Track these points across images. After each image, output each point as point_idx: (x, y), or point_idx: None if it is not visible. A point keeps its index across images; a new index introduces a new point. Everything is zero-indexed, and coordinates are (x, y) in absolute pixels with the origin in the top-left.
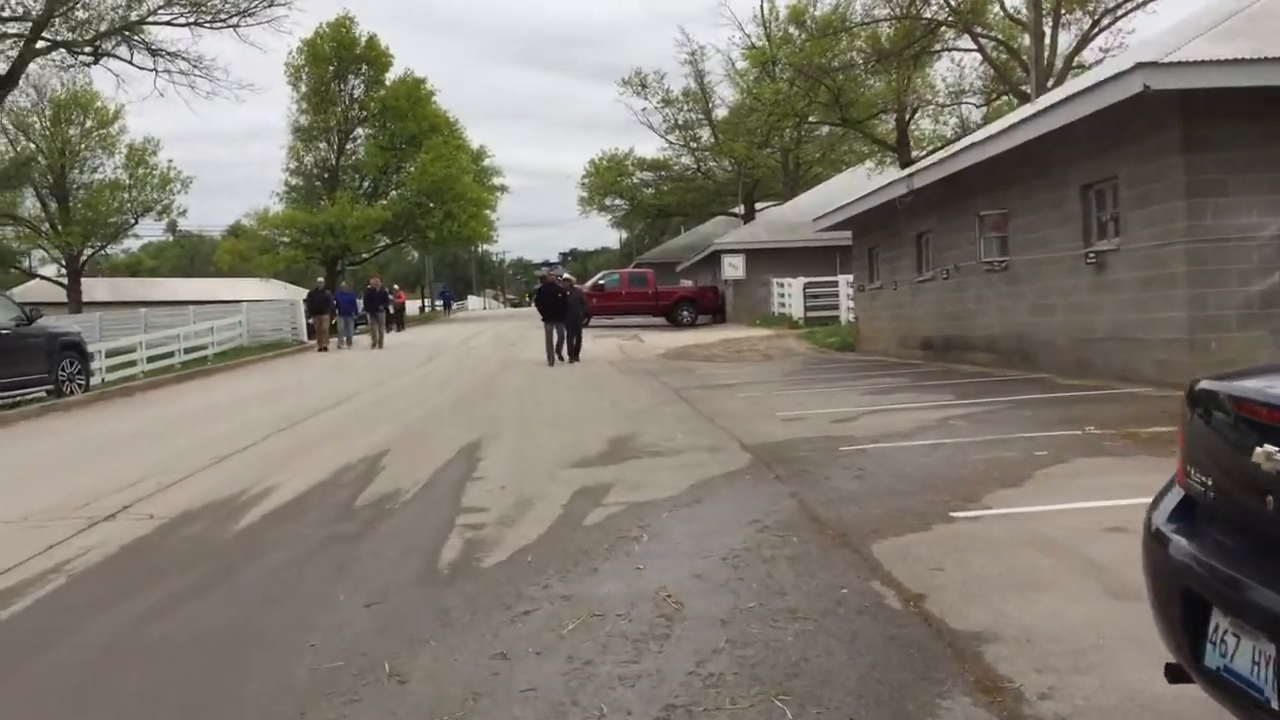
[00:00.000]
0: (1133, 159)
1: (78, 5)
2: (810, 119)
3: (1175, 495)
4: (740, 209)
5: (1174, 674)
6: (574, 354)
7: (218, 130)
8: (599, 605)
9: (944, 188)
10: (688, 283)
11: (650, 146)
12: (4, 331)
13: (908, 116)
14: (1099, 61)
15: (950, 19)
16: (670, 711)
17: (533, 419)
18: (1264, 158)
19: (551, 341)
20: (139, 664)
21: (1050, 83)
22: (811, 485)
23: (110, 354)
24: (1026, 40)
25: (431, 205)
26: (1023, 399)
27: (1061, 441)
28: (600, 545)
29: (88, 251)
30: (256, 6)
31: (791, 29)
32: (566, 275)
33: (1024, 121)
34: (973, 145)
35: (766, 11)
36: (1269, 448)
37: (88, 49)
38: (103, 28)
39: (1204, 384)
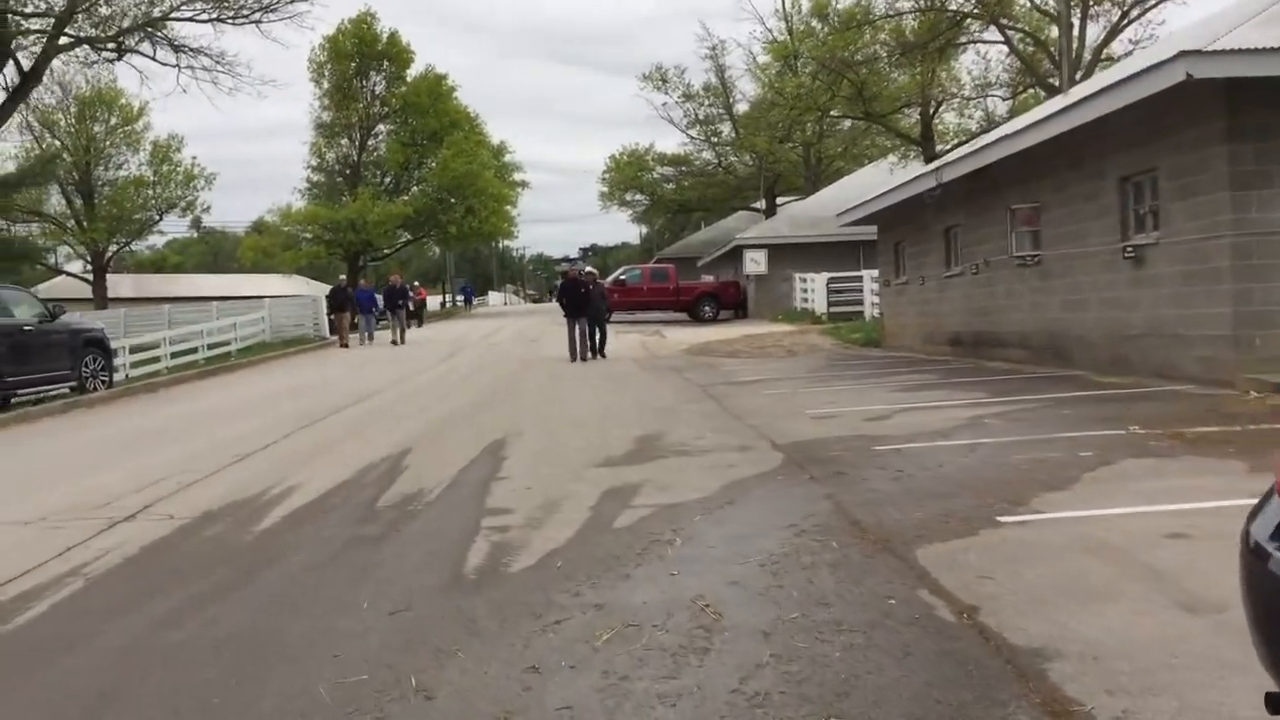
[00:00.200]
0: (1173, 150)
1: (100, 1)
2: (832, 113)
3: (1278, 507)
4: (761, 204)
5: (1276, 704)
6: (600, 350)
7: (241, 127)
8: (633, 615)
9: (973, 181)
10: (709, 278)
11: (671, 141)
12: (27, 328)
13: (932, 110)
14: (1128, 54)
15: (977, 10)
16: None
17: (557, 417)
18: None
19: (574, 338)
20: (155, 673)
21: (1078, 75)
22: (848, 487)
23: (134, 350)
24: (1054, 32)
25: (453, 201)
26: (1059, 397)
27: (1105, 442)
28: (631, 549)
29: (113, 248)
30: (278, 2)
31: (814, 22)
32: (590, 269)
33: (1059, 113)
34: (1004, 138)
35: (788, 5)
36: None
37: (111, 45)
38: (125, 24)
39: None
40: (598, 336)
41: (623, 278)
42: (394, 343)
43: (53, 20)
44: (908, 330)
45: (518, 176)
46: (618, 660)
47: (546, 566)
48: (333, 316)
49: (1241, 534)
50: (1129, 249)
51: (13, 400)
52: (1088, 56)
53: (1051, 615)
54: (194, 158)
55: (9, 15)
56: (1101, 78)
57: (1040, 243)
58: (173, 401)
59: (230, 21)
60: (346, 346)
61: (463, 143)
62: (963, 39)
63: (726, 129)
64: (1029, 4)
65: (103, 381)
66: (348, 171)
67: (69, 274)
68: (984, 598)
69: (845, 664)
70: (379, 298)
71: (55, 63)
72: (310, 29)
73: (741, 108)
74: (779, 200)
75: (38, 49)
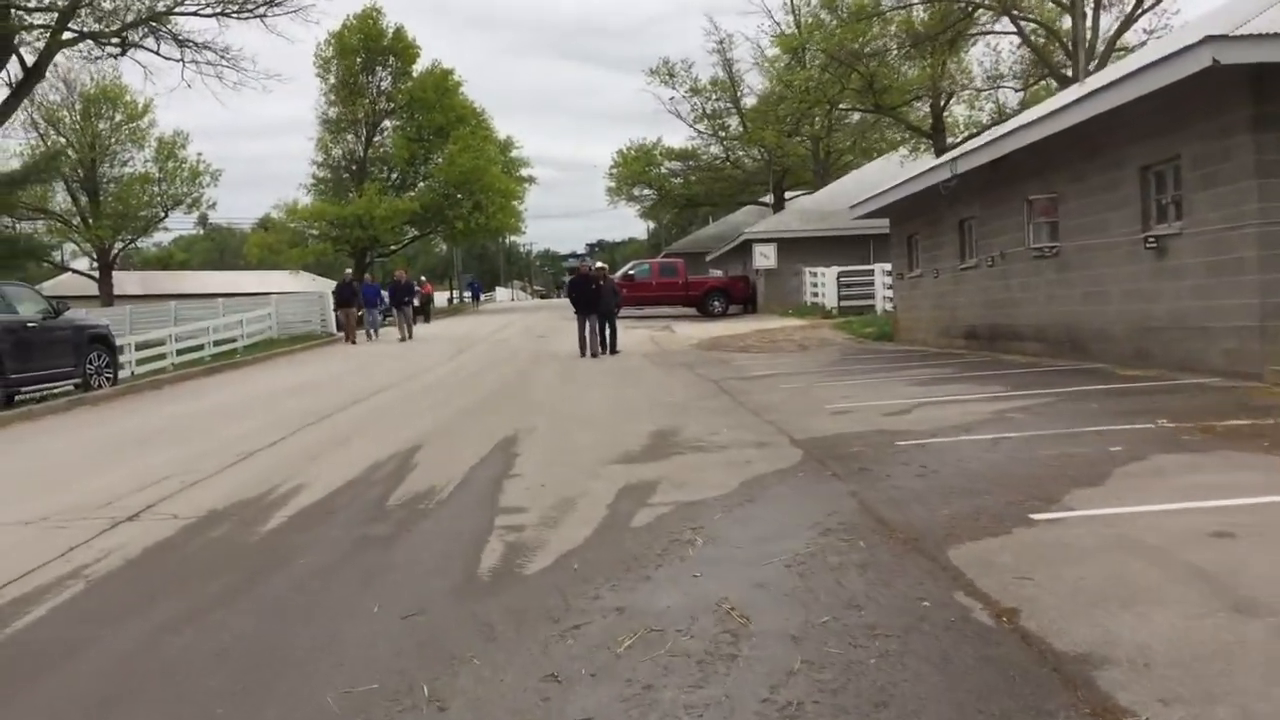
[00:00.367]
0: (1197, 138)
1: None
2: (842, 105)
3: None
4: (770, 198)
5: None
6: (611, 346)
7: (246, 124)
8: (656, 619)
9: (988, 172)
10: (718, 273)
11: (678, 136)
12: (31, 324)
13: (943, 102)
14: (1142, 44)
15: (989, 2)
16: None
17: (569, 413)
18: None
19: (585, 334)
20: (156, 682)
21: (1092, 66)
22: (871, 484)
23: (140, 347)
24: (1067, 23)
25: (459, 196)
26: (1082, 390)
27: (1135, 436)
28: (651, 550)
29: (118, 245)
30: None
31: (823, 14)
32: (600, 264)
33: (1078, 101)
34: (1020, 128)
35: None
36: None
37: (114, 40)
38: (129, 18)
39: None
40: (608, 332)
41: (631, 273)
42: (402, 339)
43: (56, 15)
44: (921, 324)
45: (525, 172)
46: (641, 668)
47: (564, 568)
48: (339, 313)
49: None
50: (1151, 239)
51: (16, 397)
52: (1101, 47)
53: (1096, 618)
54: (199, 154)
55: (12, 9)
56: (1121, 65)
57: (1058, 234)
58: (178, 399)
59: (234, 15)
60: (354, 343)
61: (469, 138)
62: (974, 30)
63: (734, 123)
64: None
65: (107, 379)
66: (354, 167)
67: (75, 271)
68: (1023, 600)
69: (881, 671)
70: (385, 294)
71: (59, 58)
72: (315, 23)
73: (749, 102)
74: (787, 195)
75: (41, 44)
